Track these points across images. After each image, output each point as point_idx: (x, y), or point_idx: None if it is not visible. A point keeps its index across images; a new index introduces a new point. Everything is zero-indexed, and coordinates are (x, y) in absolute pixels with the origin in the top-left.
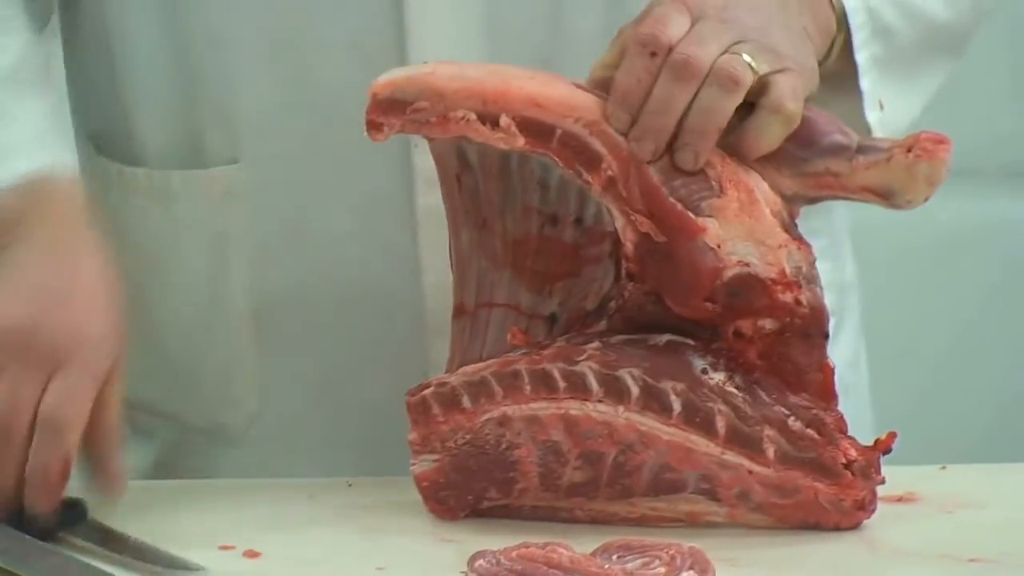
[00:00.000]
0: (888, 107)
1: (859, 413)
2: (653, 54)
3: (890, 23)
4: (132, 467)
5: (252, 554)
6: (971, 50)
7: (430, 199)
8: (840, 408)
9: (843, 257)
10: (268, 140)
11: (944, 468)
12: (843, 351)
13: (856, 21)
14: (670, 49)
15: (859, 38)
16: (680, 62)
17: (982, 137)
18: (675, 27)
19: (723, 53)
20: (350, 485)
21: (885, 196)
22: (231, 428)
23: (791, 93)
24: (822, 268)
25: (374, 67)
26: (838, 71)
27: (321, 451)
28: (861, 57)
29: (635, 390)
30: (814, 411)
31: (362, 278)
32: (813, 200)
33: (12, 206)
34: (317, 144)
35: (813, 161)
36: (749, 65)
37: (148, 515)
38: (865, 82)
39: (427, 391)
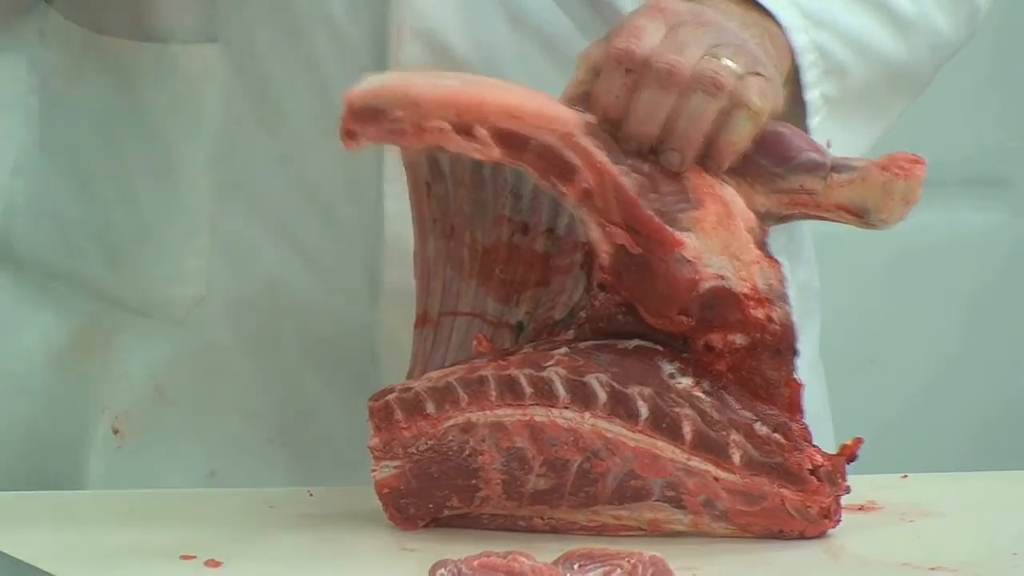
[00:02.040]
0: (837, 145)
1: (817, 419)
2: (629, 70)
3: (843, 62)
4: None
5: (214, 564)
6: None
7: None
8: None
9: (802, 258)
10: (246, 23)
11: (905, 477)
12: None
13: (805, 60)
14: (646, 62)
15: (809, 77)
16: (663, 71)
17: (945, 149)
18: (649, 38)
19: (703, 56)
20: (311, 495)
21: (859, 215)
22: (175, 306)
23: (759, 91)
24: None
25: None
26: (788, 105)
27: (262, 348)
28: (810, 95)
29: (602, 396)
30: (781, 418)
31: (325, 177)
32: (784, 219)
33: None
34: (295, 41)
35: (788, 178)
36: (730, 68)
37: (108, 524)
38: (814, 120)
39: (391, 396)
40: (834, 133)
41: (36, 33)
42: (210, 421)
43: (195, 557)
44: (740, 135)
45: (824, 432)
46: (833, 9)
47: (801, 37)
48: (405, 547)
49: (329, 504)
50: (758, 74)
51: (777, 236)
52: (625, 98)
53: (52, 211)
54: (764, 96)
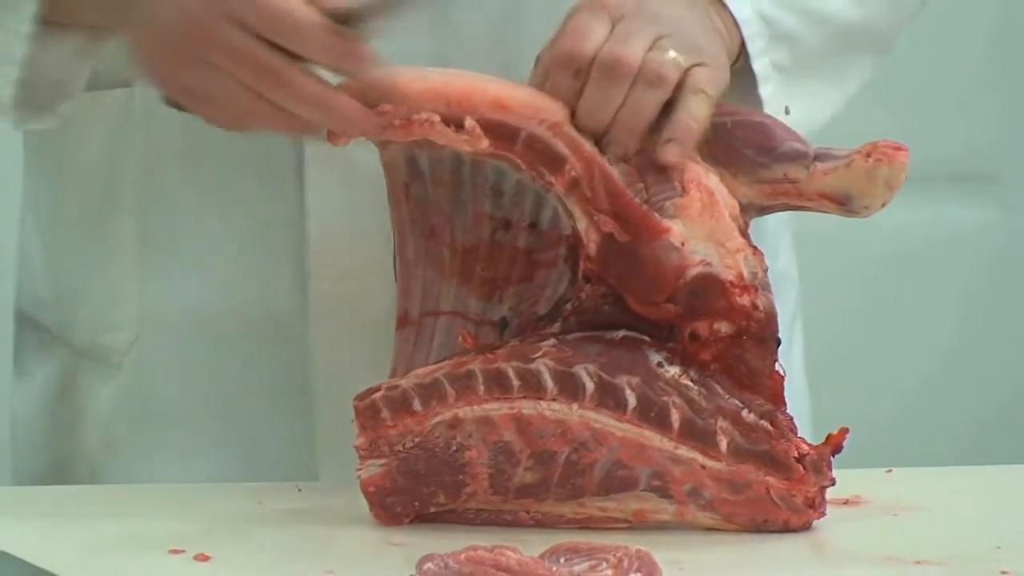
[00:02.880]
0: (797, 110)
1: (796, 405)
2: (577, 70)
3: (790, 29)
4: (29, 399)
5: (202, 558)
6: (918, 62)
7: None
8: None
9: (781, 248)
10: None
11: (890, 471)
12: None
13: (749, 31)
14: (592, 60)
15: (754, 47)
16: (609, 64)
17: (935, 146)
18: (593, 36)
19: (649, 50)
20: (299, 490)
21: (842, 202)
22: (112, 352)
23: (708, 81)
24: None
25: None
26: (742, 76)
27: (199, 382)
28: (758, 64)
29: (590, 386)
30: (766, 407)
31: (247, 211)
32: (766, 210)
33: None
34: None
35: (771, 167)
36: (675, 61)
37: (97, 519)
38: (766, 90)
39: (377, 395)
40: (793, 100)
41: None
42: (157, 462)
43: (184, 551)
44: (701, 116)
45: (801, 419)
46: None
47: (744, 9)
48: (392, 542)
49: (316, 499)
50: (702, 64)
51: (756, 226)
52: (575, 101)
53: (29, 264)
54: (710, 84)
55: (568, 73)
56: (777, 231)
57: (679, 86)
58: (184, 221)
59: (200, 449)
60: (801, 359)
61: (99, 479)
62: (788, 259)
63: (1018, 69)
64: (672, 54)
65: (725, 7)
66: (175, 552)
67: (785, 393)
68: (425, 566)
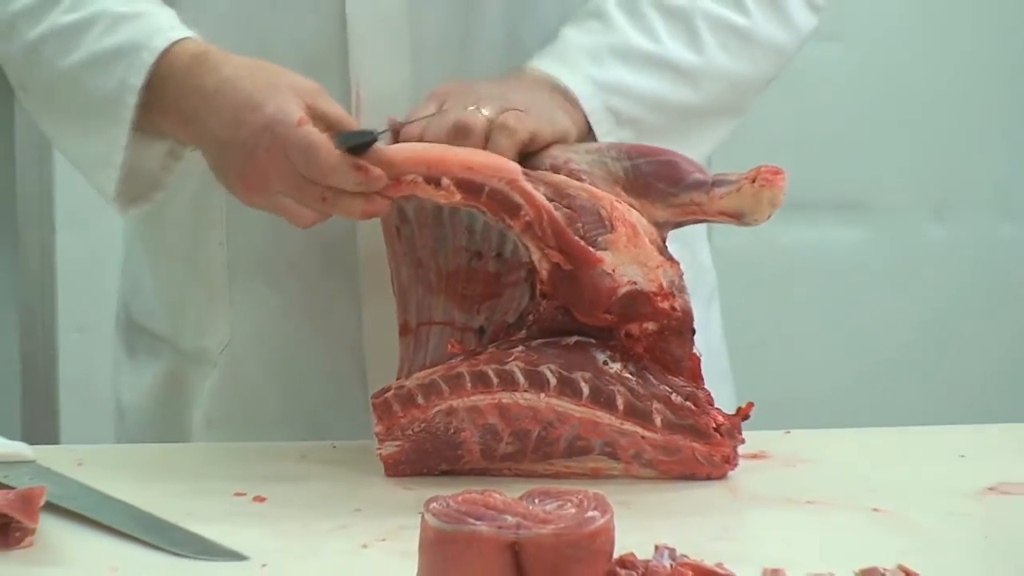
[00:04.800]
0: None
1: (723, 378)
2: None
3: (635, 116)
4: (140, 390)
5: (259, 499)
6: (806, 111)
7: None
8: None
9: (699, 245)
10: None
11: (788, 432)
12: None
13: (594, 119)
14: (421, 136)
15: (600, 130)
16: (431, 135)
17: (818, 179)
18: (425, 117)
19: (465, 111)
20: (334, 447)
21: (737, 217)
22: (210, 353)
23: (513, 118)
24: (677, 250)
25: (320, 80)
26: None
27: (275, 376)
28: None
29: (553, 380)
30: (689, 389)
31: (313, 243)
32: (680, 224)
33: (170, 76)
34: None
35: (680, 195)
36: (481, 115)
37: (181, 470)
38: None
39: (388, 394)
40: None
41: None
42: (242, 435)
43: (245, 494)
44: (502, 148)
45: (726, 391)
46: (624, 77)
47: (593, 101)
48: (407, 487)
49: (348, 455)
50: (512, 110)
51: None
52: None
53: (139, 285)
54: (520, 120)
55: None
56: (697, 233)
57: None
58: (262, 251)
59: (275, 425)
60: (721, 334)
61: None
62: (705, 254)
63: (887, 115)
64: (482, 111)
65: (576, 102)
66: (238, 495)
67: (707, 363)
68: (431, 505)
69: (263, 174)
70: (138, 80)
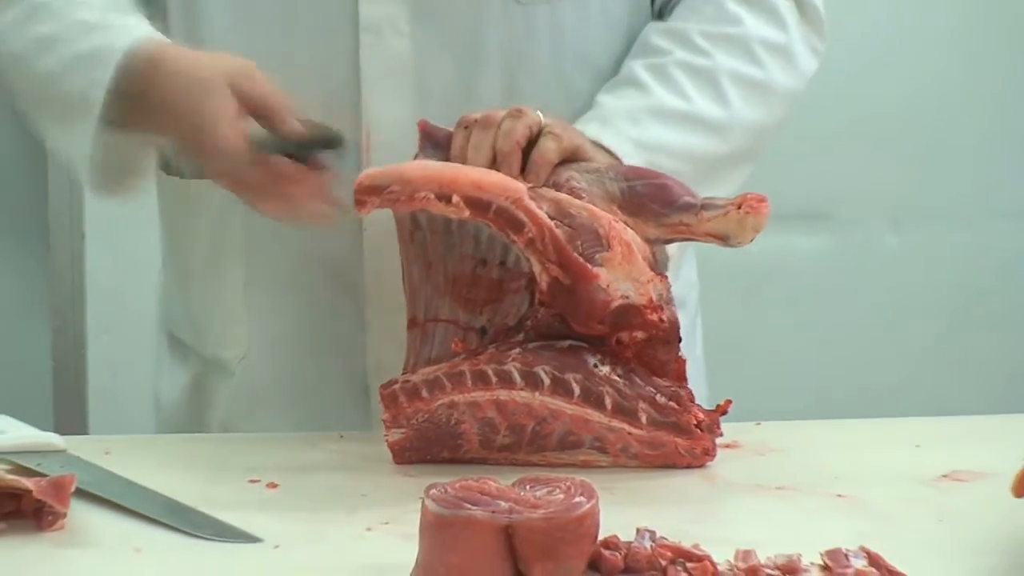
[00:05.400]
0: None
1: (697, 374)
2: (465, 127)
3: (673, 168)
4: (174, 390)
5: (272, 485)
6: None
7: (378, 233)
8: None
9: (686, 259)
10: None
11: (759, 424)
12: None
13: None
14: (475, 120)
15: None
16: (483, 119)
17: (784, 189)
18: (475, 115)
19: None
20: (342, 437)
21: (722, 239)
22: (229, 362)
23: (561, 127)
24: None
25: (334, 116)
26: None
27: (286, 384)
28: None
29: (547, 380)
30: (673, 389)
31: (322, 263)
32: (668, 241)
33: (136, 74)
34: None
35: (671, 215)
36: (532, 111)
37: (200, 459)
38: None
39: (395, 386)
40: None
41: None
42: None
43: (259, 480)
44: (549, 152)
45: (698, 378)
46: (661, 135)
47: (635, 160)
48: (408, 474)
49: (354, 445)
50: (554, 123)
51: (688, 250)
52: (467, 144)
53: (171, 298)
54: (567, 130)
55: (459, 129)
56: (684, 252)
57: (539, 133)
58: (277, 271)
59: (285, 429)
60: (701, 342)
61: None
62: (691, 271)
63: (849, 133)
64: (538, 112)
65: (620, 160)
66: (252, 482)
67: (693, 366)
68: (431, 491)
69: (237, 175)
70: (105, 76)
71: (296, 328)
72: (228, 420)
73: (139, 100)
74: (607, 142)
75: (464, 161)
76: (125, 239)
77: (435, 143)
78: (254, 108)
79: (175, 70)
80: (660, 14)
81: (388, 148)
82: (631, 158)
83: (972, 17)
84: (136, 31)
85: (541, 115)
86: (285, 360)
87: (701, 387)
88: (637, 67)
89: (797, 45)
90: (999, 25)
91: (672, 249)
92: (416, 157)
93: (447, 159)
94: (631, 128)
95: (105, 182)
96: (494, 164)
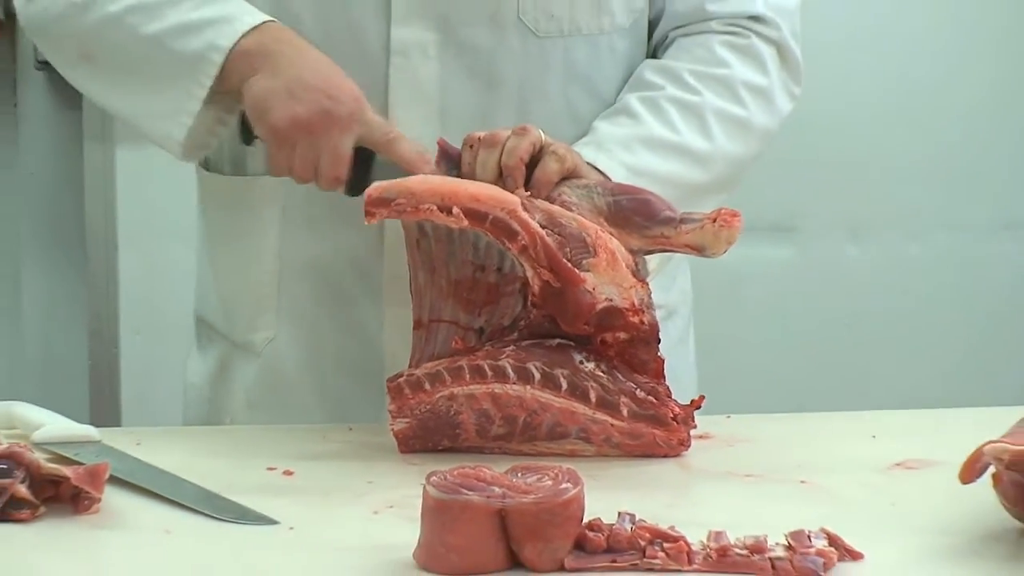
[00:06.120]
0: None
1: (687, 370)
2: (471, 146)
3: (655, 191)
4: (201, 372)
5: (288, 473)
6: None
7: (398, 259)
8: (668, 370)
9: (681, 271)
10: None
11: (729, 417)
12: (672, 332)
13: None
14: (479, 139)
15: None
16: (487, 138)
17: (753, 202)
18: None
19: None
20: (351, 429)
21: (699, 250)
22: (256, 345)
23: (563, 148)
24: (665, 280)
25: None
26: None
27: (308, 367)
28: None
29: (537, 375)
30: (652, 385)
31: (347, 258)
32: (651, 252)
33: (259, 41)
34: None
35: (652, 228)
36: (537, 130)
37: (222, 449)
38: None
39: (401, 379)
40: None
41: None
42: (276, 416)
43: (276, 468)
44: (551, 171)
45: (690, 381)
46: (650, 161)
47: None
48: (411, 462)
49: (363, 435)
50: (556, 143)
51: (670, 261)
52: (474, 161)
53: (205, 286)
54: (569, 151)
55: (466, 148)
56: (679, 265)
57: (541, 151)
58: (306, 264)
59: (304, 407)
60: (693, 348)
61: (237, 424)
62: (686, 282)
63: (812, 152)
64: (540, 131)
65: (607, 177)
66: (270, 469)
67: (682, 371)
68: (432, 478)
69: (295, 129)
70: (227, 42)
71: (320, 315)
72: (253, 398)
73: (262, 50)
74: (601, 165)
75: (473, 177)
76: (154, 250)
77: (450, 160)
78: (365, 141)
79: (318, 55)
80: (655, 52)
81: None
82: (622, 182)
83: (927, 45)
84: (255, 10)
85: (543, 134)
86: (308, 344)
87: (692, 389)
88: (632, 99)
89: (776, 89)
90: (953, 50)
91: (652, 260)
92: (437, 161)
93: (461, 175)
94: (624, 154)
95: (188, 143)
96: (500, 179)
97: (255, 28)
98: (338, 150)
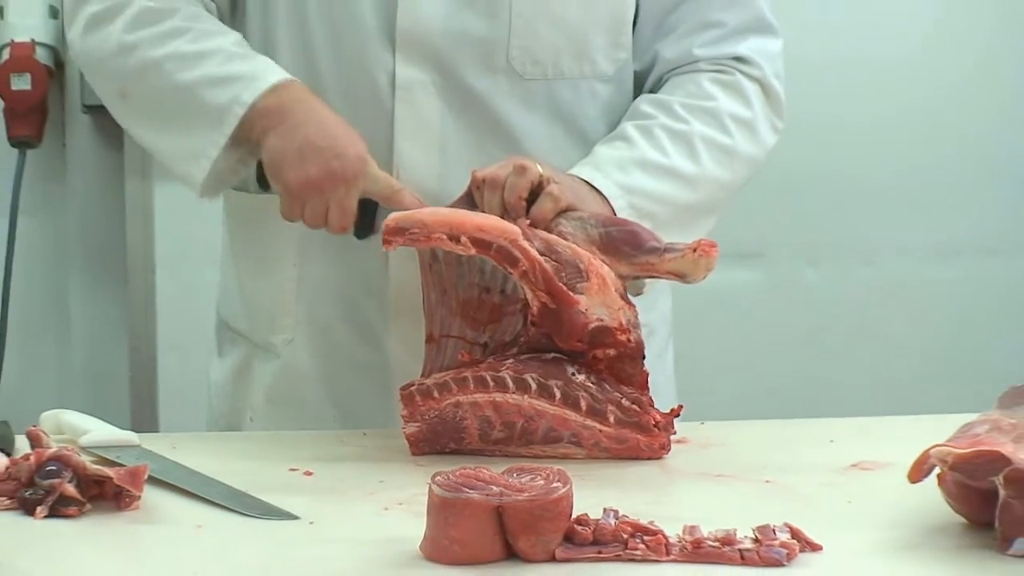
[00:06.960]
0: None
1: (667, 382)
2: (477, 187)
3: (651, 211)
4: (223, 371)
5: (308, 473)
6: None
7: (402, 272)
8: (651, 383)
9: (664, 295)
10: None
11: (703, 423)
12: (653, 347)
13: (622, 215)
14: (483, 180)
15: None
16: (488, 179)
17: (724, 231)
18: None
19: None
20: (365, 434)
21: (680, 277)
22: (276, 347)
23: (558, 190)
24: (648, 301)
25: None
26: None
27: (325, 369)
28: None
29: (534, 385)
30: (636, 395)
31: (358, 270)
32: (637, 278)
33: (278, 99)
34: None
35: (638, 256)
36: (537, 167)
37: (249, 452)
38: None
39: (413, 387)
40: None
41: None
42: (293, 415)
43: (297, 469)
44: (546, 209)
45: (668, 391)
46: (643, 181)
47: (620, 201)
48: (418, 464)
49: (376, 440)
50: (557, 181)
51: (654, 287)
52: (482, 202)
53: (229, 291)
54: (563, 192)
55: (473, 189)
56: (660, 290)
57: (540, 185)
58: (322, 275)
59: (318, 405)
60: (672, 363)
61: (258, 421)
62: (666, 305)
63: (774, 186)
64: (539, 167)
65: (608, 201)
66: (292, 470)
67: (661, 383)
68: (436, 478)
69: (306, 189)
70: (251, 98)
71: (334, 321)
72: (272, 395)
73: (280, 110)
74: (598, 184)
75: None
76: (188, 273)
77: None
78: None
79: (332, 115)
80: (652, 91)
81: (414, 189)
82: (617, 199)
83: (875, 79)
84: (279, 69)
85: (540, 168)
86: (323, 347)
87: (671, 398)
88: (628, 127)
89: (760, 121)
90: (901, 85)
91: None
92: (459, 198)
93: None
94: (618, 174)
95: (208, 183)
96: (505, 213)
97: (277, 86)
98: (344, 204)
